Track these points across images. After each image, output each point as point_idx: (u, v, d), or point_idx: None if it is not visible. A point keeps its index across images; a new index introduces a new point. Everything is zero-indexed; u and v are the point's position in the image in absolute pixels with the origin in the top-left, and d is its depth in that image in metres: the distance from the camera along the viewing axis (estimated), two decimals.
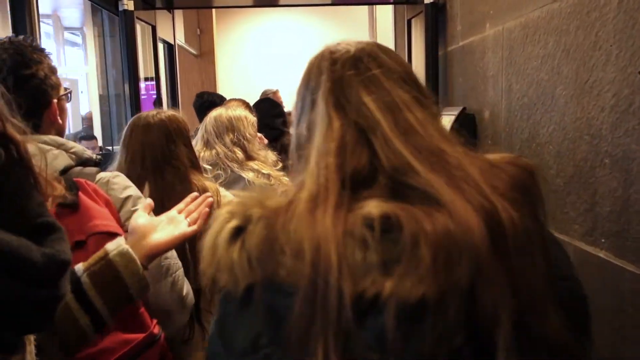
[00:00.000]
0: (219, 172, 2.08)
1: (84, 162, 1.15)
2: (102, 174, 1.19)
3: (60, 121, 1.19)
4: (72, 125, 6.30)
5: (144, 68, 3.39)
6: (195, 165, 1.60)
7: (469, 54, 2.37)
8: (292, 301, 0.55)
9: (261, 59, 6.82)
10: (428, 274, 0.53)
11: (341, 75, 0.67)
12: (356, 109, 0.65)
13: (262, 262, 0.57)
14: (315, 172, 0.61)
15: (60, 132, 1.20)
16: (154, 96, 3.37)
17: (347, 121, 0.64)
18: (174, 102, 3.96)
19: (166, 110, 1.63)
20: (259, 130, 3.09)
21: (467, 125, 2.21)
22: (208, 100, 3.46)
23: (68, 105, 1.27)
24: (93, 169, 1.16)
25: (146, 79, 3.37)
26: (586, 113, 1.38)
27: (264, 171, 2.09)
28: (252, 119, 2.26)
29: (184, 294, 1.28)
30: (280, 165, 2.35)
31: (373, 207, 0.56)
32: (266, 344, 0.58)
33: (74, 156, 1.13)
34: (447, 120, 2.32)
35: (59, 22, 7.36)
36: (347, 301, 0.53)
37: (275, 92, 5.12)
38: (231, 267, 0.58)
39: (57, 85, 1.17)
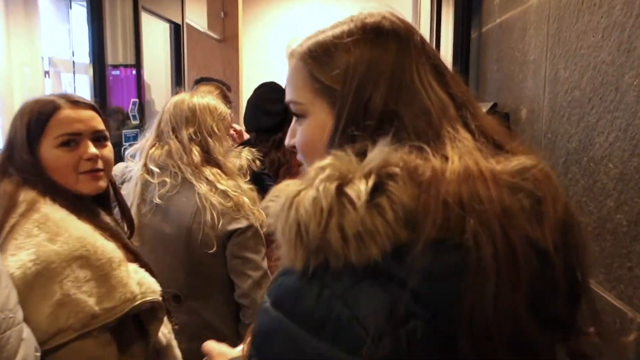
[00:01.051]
0: (165, 178, 1.63)
1: None
2: None
3: None
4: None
5: (127, 49, 2.96)
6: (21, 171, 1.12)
7: (506, 34, 1.81)
8: (459, 256, 0.53)
9: None
10: (555, 228, 0.57)
11: (421, 51, 0.68)
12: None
13: (418, 218, 0.54)
14: (451, 140, 0.61)
15: None
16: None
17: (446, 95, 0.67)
18: (179, 89, 3.55)
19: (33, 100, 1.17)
20: (251, 118, 2.60)
21: None
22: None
23: None
24: None
25: (127, 66, 2.93)
26: None
27: (219, 185, 1.60)
28: (224, 111, 1.78)
29: None
30: (254, 174, 1.86)
31: (527, 160, 0.60)
32: (408, 315, 0.51)
33: None
34: None
35: None
36: (530, 247, 0.54)
37: None
38: (374, 228, 0.53)
39: None
